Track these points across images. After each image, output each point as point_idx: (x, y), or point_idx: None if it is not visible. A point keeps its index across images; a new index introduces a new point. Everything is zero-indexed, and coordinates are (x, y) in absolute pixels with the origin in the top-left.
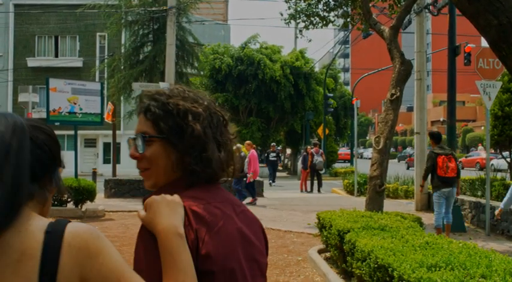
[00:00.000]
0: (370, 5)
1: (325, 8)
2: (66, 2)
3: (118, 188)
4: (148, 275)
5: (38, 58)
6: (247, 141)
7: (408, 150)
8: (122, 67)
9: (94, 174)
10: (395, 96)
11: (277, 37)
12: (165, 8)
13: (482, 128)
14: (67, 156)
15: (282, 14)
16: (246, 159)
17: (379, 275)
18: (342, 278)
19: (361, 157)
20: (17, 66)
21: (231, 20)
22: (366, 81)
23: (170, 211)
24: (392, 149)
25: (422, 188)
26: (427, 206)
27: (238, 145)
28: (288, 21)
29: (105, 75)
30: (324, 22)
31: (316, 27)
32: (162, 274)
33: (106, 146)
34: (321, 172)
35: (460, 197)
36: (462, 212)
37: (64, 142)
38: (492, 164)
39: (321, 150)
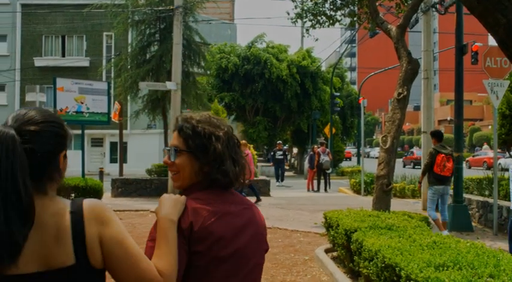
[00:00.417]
0: (377, 3)
1: (331, 7)
2: (73, 1)
3: (125, 188)
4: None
5: (45, 58)
6: (242, 141)
7: (413, 149)
8: (129, 66)
9: (101, 173)
10: (402, 95)
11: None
12: (171, 7)
13: (490, 127)
14: (74, 155)
15: (288, 13)
16: None
17: (387, 274)
18: (349, 278)
19: (368, 156)
20: (24, 66)
21: (237, 19)
22: (373, 81)
23: (171, 205)
24: (399, 149)
25: (420, 184)
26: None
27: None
28: (294, 20)
29: (112, 75)
30: (331, 21)
31: (323, 26)
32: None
33: (113, 145)
34: (328, 172)
35: (468, 196)
36: (469, 212)
37: (71, 141)
38: (499, 163)
39: (328, 150)
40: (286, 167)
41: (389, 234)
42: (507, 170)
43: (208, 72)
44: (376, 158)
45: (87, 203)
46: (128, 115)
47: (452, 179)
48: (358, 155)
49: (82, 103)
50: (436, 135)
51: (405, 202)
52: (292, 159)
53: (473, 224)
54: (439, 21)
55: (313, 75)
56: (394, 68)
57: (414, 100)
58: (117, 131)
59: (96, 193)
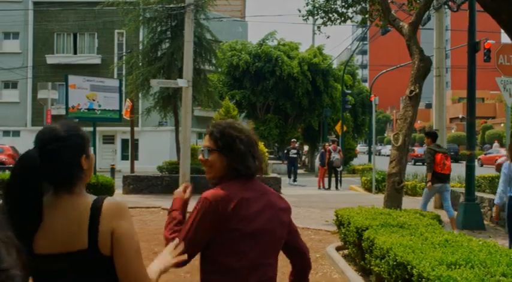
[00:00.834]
0: (389, 1)
1: (343, 4)
2: None
3: (136, 184)
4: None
5: (57, 55)
6: None
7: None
8: (140, 64)
9: (112, 170)
10: (414, 92)
11: (295, 34)
12: (183, 5)
13: (502, 125)
14: None
15: (300, 11)
16: None
17: (398, 272)
18: (360, 276)
19: (379, 154)
20: (37, 63)
21: (248, 16)
22: (384, 78)
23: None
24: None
25: (431, 183)
26: None
27: None
28: (306, 17)
29: (123, 72)
30: (342, 18)
31: (335, 24)
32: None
33: (124, 142)
34: (339, 169)
35: (480, 194)
36: (481, 210)
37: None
38: None
39: (339, 148)
40: (298, 165)
41: (401, 232)
42: None
43: (220, 69)
44: (387, 155)
45: (107, 201)
46: (139, 112)
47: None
48: (370, 152)
49: (94, 100)
50: (431, 136)
51: (417, 200)
52: (303, 157)
53: (485, 222)
54: (451, 19)
55: (324, 73)
56: (406, 66)
57: (426, 98)
58: (129, 128)
59: (108, 190)
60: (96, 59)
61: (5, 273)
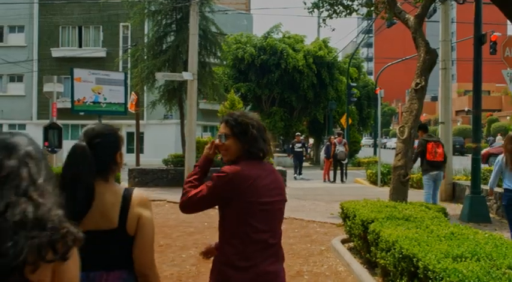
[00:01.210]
0: None
1: None
2: None
3: (142, 178)
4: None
5: (62, 48)
6: None
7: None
8: (145, 57)
9: None
10: (420, 85)
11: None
12: None
13: (508, 117)
14: None
15: (305, 3)
16: None
17: (404, 265)
18: (366, 268)
19: (384, 147)
20: (42, 57)
21: (253, 9)
22: (390, 71)
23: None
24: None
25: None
26: (452, 196)
27: None
28: (311, 10)
29: (129, 65)
30: (348, 11)
31: (340, 16)
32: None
33: (129, 135)
34: (344, 162)
35: (485, 187)
36: (487, 203)
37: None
38: None
39: (345, 140)
40: (305, 158)
41: (407, 225)
42: None
43: (225, 62)
44: (393, 148)
45: (136, 192)
46: (145, 105)
47: (446, 164)
48: (375, 145)
49: (99, 93)
50: (422, 128)
51: (422, 193)
52: (308, 150)
53: (491, 215)
54: (457, 11)
55: (329, 66)
56: (412, 58)
57: (431, 91)
58: (134, 121)
59: None
60: (101, 52)
61: (73, 234)
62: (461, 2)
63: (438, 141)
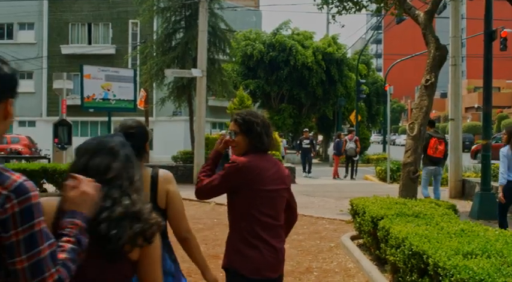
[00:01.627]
0: None
1: None
2: None
3: None
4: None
5: (72, 45)
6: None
7: None
8: (154, 54)
9: None
10: (430, 82)
11: (309, 23)
12: None
13: None
14: None
15: (314, 0)
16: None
17: (414, 262)
18: (375, 265)
19: (394, 144)
20: (51, 54)
21: (262, 6)
22: (399, 67)
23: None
24: None
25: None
26: (461, 193)
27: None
28: (320, 6)
29: (138, 62)
30: (357, 7)
31: (349, 13)
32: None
33: None
34: (355, 159)
35: (495, 184)
36: (497, 200)
37: (97, 128)
38: None
39: (356, 137)
40: (312, 155)
41: (417, 222)
42: None
43: (234, 59)
44: (402, 145)
45: (161, 171)
46: (154, 102)
47: (446, 161)
48: (384, 142)
49: (109, 90)
50: (429, 123)
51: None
52: (317, 146)
53: None
54: (467, 7)
55: (338, 62)
56: (421, 55)
57: (441, 87)
58: (143, 118)
59: None
60: (110, 49)
61: (158, 223)
62: None
63: (442, 139)
